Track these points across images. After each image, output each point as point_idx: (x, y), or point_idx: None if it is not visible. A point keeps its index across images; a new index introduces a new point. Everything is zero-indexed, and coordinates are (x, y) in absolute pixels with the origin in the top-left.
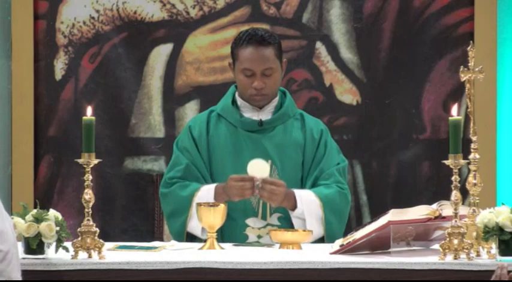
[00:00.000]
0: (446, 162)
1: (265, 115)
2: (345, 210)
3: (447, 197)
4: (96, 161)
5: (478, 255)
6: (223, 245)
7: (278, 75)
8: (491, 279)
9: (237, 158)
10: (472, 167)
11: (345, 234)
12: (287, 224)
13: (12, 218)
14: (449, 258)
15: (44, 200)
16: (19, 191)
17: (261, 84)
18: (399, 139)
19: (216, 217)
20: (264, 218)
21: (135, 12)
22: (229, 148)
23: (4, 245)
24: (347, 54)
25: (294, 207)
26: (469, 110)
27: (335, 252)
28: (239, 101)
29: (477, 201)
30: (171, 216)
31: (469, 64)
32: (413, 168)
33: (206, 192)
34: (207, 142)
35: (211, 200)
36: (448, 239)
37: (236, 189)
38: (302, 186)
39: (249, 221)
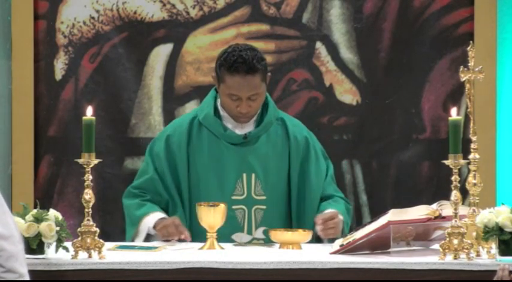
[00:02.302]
0: (446, 162)
1: (248, 127)
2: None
3: (447, 197)
4: (96, 161)
5: (478, 255)
6: (223, 245)
7: (263, 96)
8: (493, 280)
9: (221, 172)
10: (472, 167)
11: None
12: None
13: None
14: (449, 258)
15: (44, 200)
16: (19, 191)
17: (247, 108)
18: (399, 139)
19: (216, 217)
20: (249, 232)
21: (135, 12)
22: (212, 161)
23: (13, 246)
24: (347, 54)
25: None
26: (469, 110)
27: (335, 252)
28: (221, 111)
29: (477, 201)
30: (127, 225)
31: (469, 64)
32: (413, 168)
33: (151, 218)
34: (187, 154)
35: (151, 226)
36: (448, 239)
37: (165, 231)
38: (288, 196)
39: (235, 237)
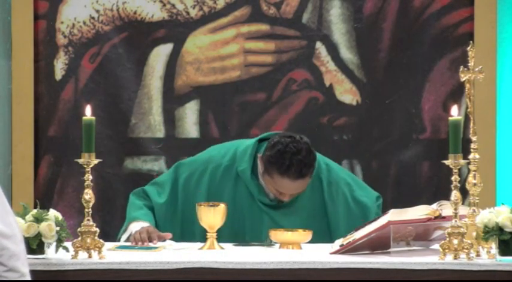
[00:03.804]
0: (446, 162)
1: None
2: None
3: (447, 197)
4: (96, 161)
5: (478, 255)
6: (223, 245)
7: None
8: None
9: (248, 230)
10: (472, 167)
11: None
12: None
13: None
14: (449, 258)
15: (44, 200)
16: (19, 191)
17: (291, 198)
18: (399, 139)
19: (216, 217)
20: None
21: (135, 12)
22: (239, 212)
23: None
24: (347, 54)
25: None
26: (468, 110)
27: (335, 252)
28: (260, 171)
29: (477, 201)
30: (126, 218)
31: (469, 64)
32: (413, 168)
33: (139, 224)
34: (214, 194)
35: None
36: (448, 239)
37: (138, 236)
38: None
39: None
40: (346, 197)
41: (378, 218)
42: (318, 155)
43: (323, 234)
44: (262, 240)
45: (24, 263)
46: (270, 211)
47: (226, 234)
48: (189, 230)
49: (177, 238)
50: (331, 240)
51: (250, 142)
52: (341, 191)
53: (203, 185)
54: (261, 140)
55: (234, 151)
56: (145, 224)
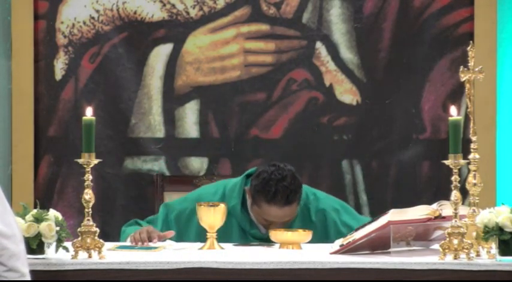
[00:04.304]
0: (446, 162)
1: None
2: None
3: (447, 197)
4: (96, 161)
5: (478, 255)
6: (223, 245)
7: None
8: None
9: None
10: (471, 167)
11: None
12: None
13: None
14: (449, 258)
15: (44, 200)
16: (19, 191)
17: (279, 226)
18: (399, 139)
19: (216, 217)
20: None
21: (135, 12)
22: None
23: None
24: (347, 54)
25: None
26: (468, 110)
27: (335, 252)
28: (249, 208)
29: (477, 201)
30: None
31: (469, 64)
32: (413, 168)
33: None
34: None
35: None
36: (448, 239)
37: (137, 235)
38: None
39: None
40: (336, 223)
41: (378, 218)
42: (305, 186)
43: None
44: None
45: (24, 263)
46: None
47: None
48: None
49: None
50: None
51: (238, 178)
52: (330, 217)
53: (194, 222)
54: (248, 176)
55: (223, 189)
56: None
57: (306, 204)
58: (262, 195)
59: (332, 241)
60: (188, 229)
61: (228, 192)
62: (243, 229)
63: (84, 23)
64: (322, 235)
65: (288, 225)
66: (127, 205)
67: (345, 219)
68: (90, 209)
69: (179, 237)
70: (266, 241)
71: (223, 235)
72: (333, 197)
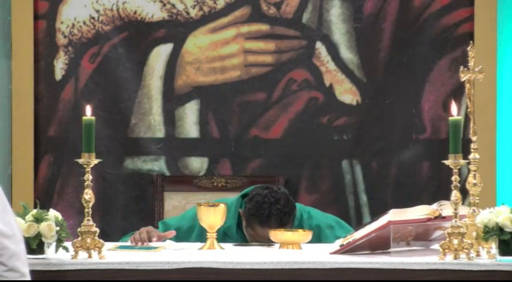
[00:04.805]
0: (446, 162)
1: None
2: None
3: (447, 197)
4: (96, 161)
5: (478, 255)
6: (223, 245)
7: None
8: None
9: None
10: (472, 167)
11: None
12: None
13: None
14: (449, 258)
15: (44, 200)
16: (19, 191)
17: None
18: (399, 139)
19: (216, 217)
20: None
21: (135, 12)
22: None
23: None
24: (347, 54)
25: None
26: (468, 110)
27: (335, 252)
28: (244, 229)
29: (477, 201)
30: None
31: (469, 64)
32: (413, 168)
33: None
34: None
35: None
36: (448, 239)
37: (138, 235)
38: None
39: None
40: (329, 238)
41: (378, 218)
42: (299, 205)
43: None
44: None
45: (24, 263)
46: None
47: None
48: None
49: None
50: None
51: (234, 198)
52: (324, 234)
53: (192, 238)
54: (244, 196)
55: None
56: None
57: (300, 223)
58: (256, 218)
59: None
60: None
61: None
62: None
63: (84, 23)
64: None
65: None
66: (127, 205)
67: (339, 234)
68: (90, 209)
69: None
70: None
71: None
72: (327, 214)
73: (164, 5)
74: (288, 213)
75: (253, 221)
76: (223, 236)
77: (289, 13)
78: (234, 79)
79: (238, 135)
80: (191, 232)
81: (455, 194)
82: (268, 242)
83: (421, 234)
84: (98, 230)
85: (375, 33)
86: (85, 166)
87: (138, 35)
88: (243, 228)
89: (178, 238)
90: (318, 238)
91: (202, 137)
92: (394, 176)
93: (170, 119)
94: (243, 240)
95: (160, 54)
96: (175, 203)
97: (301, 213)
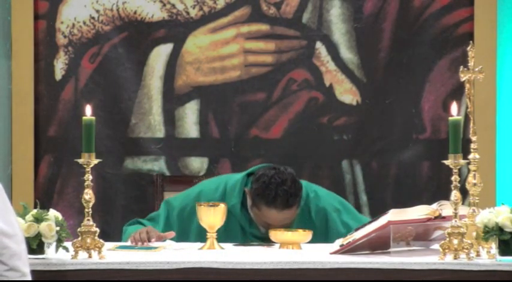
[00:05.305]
0: (446, 162)
1: None
2: None
3: (447, 197)
4: (96, 161)
5: (478, 255)
6: (223, 245)
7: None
8: None
9: None
10: (471, 167)
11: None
12: None
13: None
14: (449, 258)
15: (44, 200)
16: (19, 191)
17: (278, 228)
18: (399, 139)
19: (216, 217)
20: None
21: (135, 12)
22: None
23: (16, 244)
24: (347, 54)
25: None
26: (468, 110)
27: (335, 252)
28: (249, 208)
29: (477, 201)
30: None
31: (469, 64)
32: (413, 168)
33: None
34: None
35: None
36: (448, 239)
37: (137, 235)
38: None
39: None
40: (336, 223)
41: (378, 218)
42: (305, 184)
43: None
44: None
45: (25, 263)
46: (259, 242)
47: None
48: None
49: None
50: None
51: (239, 176)
52: (330, 217)
53: (195, 219)
54: (249, 174)
55: (224, 186)
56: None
57: (306, 203)
58: (262, 198)
59: (331, 240)
60: (191, 225)
61: (228, 190)
62: (243, 228)
63: (84, 23)
64: (322, 234)
65: (288, 226)
66: (127, 205)
67: (345, 219)
68: (90, 209)
69: (182, 234)
70: (266, 240)
71: (224, 233)
72: (334, 194)
73: (164, 5)
74: (294, 194)
75: (259, 201)
76: (228, 214)
77: (289, 13)
78: (234, 79)
79: (238, 135)
80: (195, 211)
81: (455, 194)
82: (273, 225)
83: (421, 234)
84: (98, 230)
85: (375, 33)
86: (85, 166)
87: (138, 35)
88: (248, 207)
89: (182, 220)
90: (324, 221)
91: (202, 137)
92: (394, 176)
93: (170, 119)
94: (247, 219)
95: (160, 54)
96: None
97: (307, 192)
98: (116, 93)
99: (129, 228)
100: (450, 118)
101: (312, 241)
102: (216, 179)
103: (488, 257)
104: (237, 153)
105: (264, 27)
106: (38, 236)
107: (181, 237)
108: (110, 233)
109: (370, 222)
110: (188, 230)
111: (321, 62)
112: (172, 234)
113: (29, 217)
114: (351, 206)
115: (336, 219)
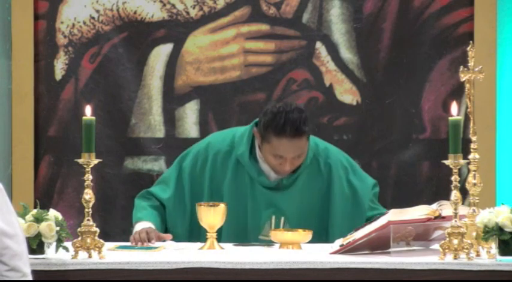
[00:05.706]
0: (446, 162)
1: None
2: None
3: (447, 197)
4: (96, 161)
5: (478, 255)
6: (223, 245)
7: (306, 152)
8: None
9: (249, 211)
10: (471, 167)
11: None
12: None
13: None
14: (449, 258)
15: (44, 200)
16: (19, 191)
17: (291, 166)
18: (399, 139)
19: (216, 217)
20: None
21: (135, 12)
22: (241, 198)
23: (17, 245)
24: (347, 54)
25: None
26: (468, 110)
27: (335, 252)
28: (259, 154)
29: (477, 201)
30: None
31: (469, 64)
32: (413, 168)
33: (141, 225)
34: (217, 182)
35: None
36: (448, 239)
37: (137, 235)
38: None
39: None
40: (341, 180)
41: (378, 218)
42: (317, 139)
43: (322, 215)
44: (262, 223)
45: (26, 263)
46: (270, 193)
47: (228, 218)
48: (198, 222)
49: (186, 231)
50: (328, 223)
51: (247, 126)
52: (337, 173)
53: (206, 172)
54: (257, 124)
55: (232, 137)
56: (147, 224)
57: (315, 156)
58: (271, 128)
59: (334, 197)
60: (203, 183)
61: (237, 140)
62: (251, 178)
63: (84, 23)
64: (327, 188)
65: (297, 174)
66: (127, 205)
67: (350, 178)
68: (90, 209)
69: (195, 193)
70: (274, 189)
71: (233, 185)
72: (344, 153)
73: (164, 5)
74: (303, 121)
75: (268, 134)
76: (236, 163)
77: (289, 13)
78: (234, 79)
79: None
80: (205, 164)
81: (455, 194)
82: (285, 156)
83: (421, 234)
84: (98, 230)
85: (374, 33)
86: (85, 166)
87: (138, 35)
88: (257, 153)
89: (193, 178)
90: (329, 175)
91: (202, 137)
92: (394, 176)
93: (170, 119)
94: (255, 167)
95: (160, 54)
96: None
97: (318, 146)
98: (116, 93)
99: (139, 202)
100: (450, 118)
101: (315, 190)
102: (224, 131)
103: (488, 257)
104: None
105: (264, 27)
106: (38, 236)
107: (195, 198)
108: (110, 233)
109: (370, 222)
110: (201, 187)
111: (321, 62)
112: (169, 236)
113: (29, 217)
114: (358, 167)
115: (341, 176)
